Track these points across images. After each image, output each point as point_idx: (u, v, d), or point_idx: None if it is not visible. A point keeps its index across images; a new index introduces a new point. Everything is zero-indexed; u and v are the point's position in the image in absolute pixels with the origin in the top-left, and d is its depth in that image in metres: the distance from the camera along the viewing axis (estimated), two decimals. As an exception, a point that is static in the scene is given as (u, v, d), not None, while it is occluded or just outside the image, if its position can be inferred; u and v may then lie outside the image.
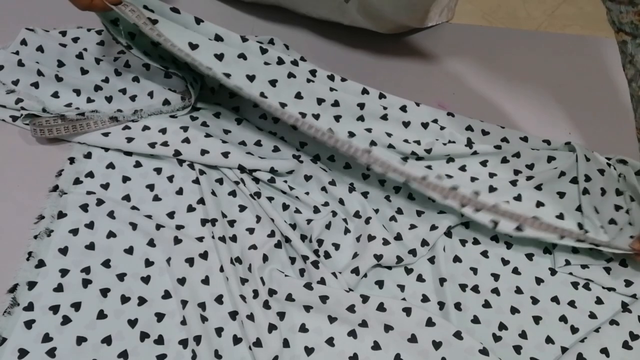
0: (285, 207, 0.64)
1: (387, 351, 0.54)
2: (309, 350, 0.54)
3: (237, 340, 0.53)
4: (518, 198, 0.62)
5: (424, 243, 0.62)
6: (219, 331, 0.54)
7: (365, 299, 0.55)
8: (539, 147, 0.69)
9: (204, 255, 0.58)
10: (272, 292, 0.57)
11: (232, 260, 0.58)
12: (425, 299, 0.59)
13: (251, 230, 0.61)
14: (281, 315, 0.56)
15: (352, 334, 0.55)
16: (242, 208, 0.63)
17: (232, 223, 0.62)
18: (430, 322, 0.54)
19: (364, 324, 0.55)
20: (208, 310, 0.55)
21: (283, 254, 0.60)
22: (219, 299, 0.55)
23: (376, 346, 0.54)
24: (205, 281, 0.56)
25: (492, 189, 0.62)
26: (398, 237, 0.62)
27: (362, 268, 0.58)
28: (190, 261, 0.57)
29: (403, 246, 0.61)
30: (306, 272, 0.59)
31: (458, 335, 0.53)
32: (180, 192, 0.63)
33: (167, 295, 0.56)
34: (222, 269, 0.57)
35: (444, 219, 0.63)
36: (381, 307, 0.55)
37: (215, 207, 0.61)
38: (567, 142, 0.69)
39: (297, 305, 0.56)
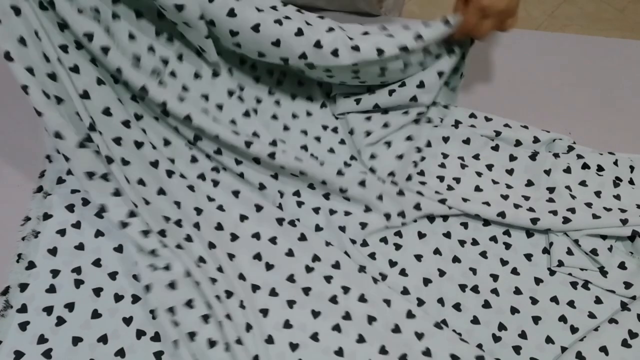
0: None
1: (372, 344, 0.56)
2: (293, 346, 0.56)
3: (212, 343, 0.53)
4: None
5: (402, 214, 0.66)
6: (191, 335, 0.54)
7: (346, 290, 0.58)
8: (539, 137, 0.74)
9: (167, 267, 0.57)
10: (255, 288, 0.59)
11: (197, 263, 0.58)
12: (405, 291, 0.62)
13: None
14: (264, 312, 0.58)
15: (337, 328, 0.57)
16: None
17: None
18: (410, 314, 0.57)
19: (347, 316, 0.58)
20: (179, 315, 0.55)
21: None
22: (189, 304, 0.55)
23: (361, 339, 0.57)
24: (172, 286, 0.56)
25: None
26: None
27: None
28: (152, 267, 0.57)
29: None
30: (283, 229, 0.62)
31: (438, 325, 0.57)
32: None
33: None
34: (188, 274, 0.57)
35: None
36: (362, 299, 0.58)
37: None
38: (569, 146, 0.73)
39: (280, 300, 0.58)
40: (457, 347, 0.56)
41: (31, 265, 0.59)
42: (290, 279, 0.59)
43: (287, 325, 0.57)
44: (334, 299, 0.58)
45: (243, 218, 0.63)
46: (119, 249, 0.61)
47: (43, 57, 0.55)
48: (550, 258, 0.65)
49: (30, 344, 0.53)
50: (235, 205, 0.64)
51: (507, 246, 0.66)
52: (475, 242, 0.66)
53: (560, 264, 0.64)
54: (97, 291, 0.58)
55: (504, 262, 0.65)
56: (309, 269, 0.61)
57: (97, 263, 0.60)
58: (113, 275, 0.59)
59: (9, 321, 0.55)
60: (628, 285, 0.63)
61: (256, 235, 0.62)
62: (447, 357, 0.55)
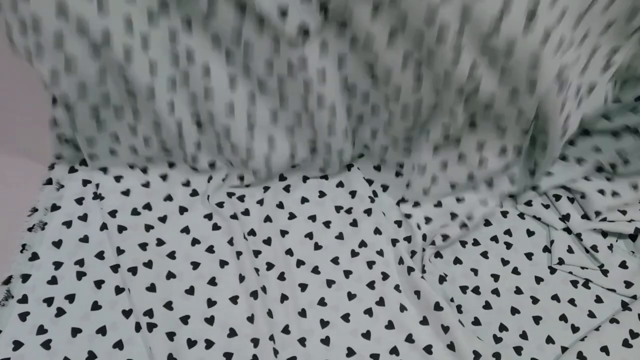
0: None
1: (400, 332, 0.58)
2: (324, 324, 0.58)
3: (191, 343, 0.55)
4: None
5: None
6: (170, 335, 0.55)
7: (385, 276, 0.61)
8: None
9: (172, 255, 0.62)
10: (300, 263, 0.62)
11: (245, 235, 0.63)
12: None
13: None
14: (303, 286, 0.61)
15: (369, 312, 0.59)
16: None
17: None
18: (437, 307, 0.58)
19: (381, 302, 0.60)
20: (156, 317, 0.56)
21: None
22: (169, 305, 0.57)
23: (390, 325, 0.58)
24: (151, 288, 0.58)
25: None
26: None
27: None
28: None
29: None
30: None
31: (461, 322, 0.58)
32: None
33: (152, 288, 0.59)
34: (232, 242, 0.62)
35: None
36: (397, 288, 0.61)
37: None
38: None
39: (320, 278, 0.61)
40: (478, 344, 0.57)
41: (35, 256, 0.60)
42: (335, 261, 0.63)
43: (322, 302, 0.60)
44: (371, 285, 0.61)
45: (304, 200, 0.68)
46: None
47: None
48: (551, 256, 0.66)
49: (29, 334, 0.54)
50: (301, 189, 0.69)
51: (508, 246, 0.67)
52: (476, 242, 0.67)
53: (561, 261, 0.65)
54: (99, 283, 0.59)
55: (504, 262, 0.65)
56: (354, 254, 0.64)
57: (100, 255, 0.61)
58: (115, 268, 0.60)
59: (9, 311, 0.55)
60: (629, 284, 0.64)
61: (312, 217, 0.66)
62: (470, 353, 0.56)
